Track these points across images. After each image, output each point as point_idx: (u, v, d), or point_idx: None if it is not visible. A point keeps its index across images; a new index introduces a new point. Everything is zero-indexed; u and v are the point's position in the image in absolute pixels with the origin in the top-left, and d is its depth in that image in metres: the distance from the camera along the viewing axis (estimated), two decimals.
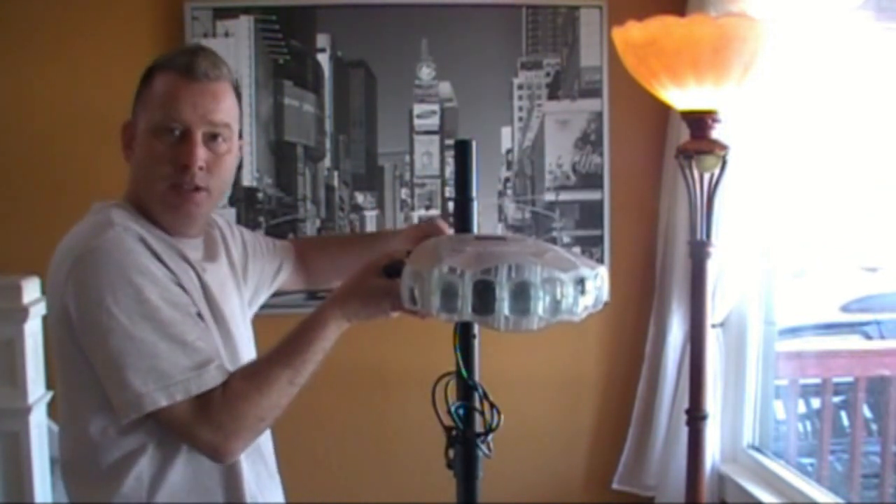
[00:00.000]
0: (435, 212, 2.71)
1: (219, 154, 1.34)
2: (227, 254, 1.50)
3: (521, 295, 1.05)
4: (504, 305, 1.05)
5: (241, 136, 1.44)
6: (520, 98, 2.70)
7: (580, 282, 1.08)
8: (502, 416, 1.16)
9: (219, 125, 1.33)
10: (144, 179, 1.33)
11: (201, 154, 1.31)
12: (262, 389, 1.22)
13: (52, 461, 2.22)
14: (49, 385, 2.21)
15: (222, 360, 1.26)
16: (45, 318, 2.20)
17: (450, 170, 2.64)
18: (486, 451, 1.17)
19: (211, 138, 1.33)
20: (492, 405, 1.17)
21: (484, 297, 1.05)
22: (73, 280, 1.22)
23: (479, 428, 1.20)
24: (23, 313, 2.09)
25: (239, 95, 1.40)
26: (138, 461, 1.25)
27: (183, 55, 1.33)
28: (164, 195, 1.31)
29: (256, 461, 1.38)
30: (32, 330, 2.14)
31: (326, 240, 1.77)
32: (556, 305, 1.07)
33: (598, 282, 1.11)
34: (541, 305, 1.06)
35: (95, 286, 1.21)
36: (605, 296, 1.14)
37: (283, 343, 1.26)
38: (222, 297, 1.39)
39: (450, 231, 1.44)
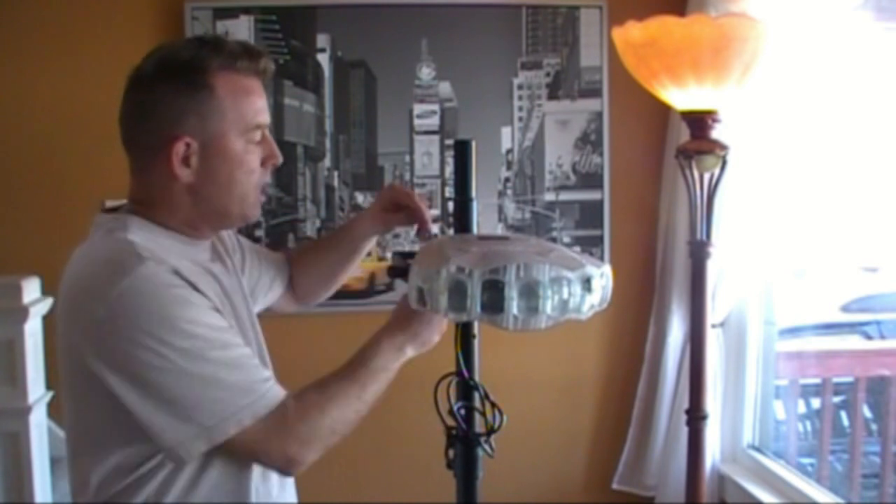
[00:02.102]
0: (435, 212, 2.71)
1: None
2: (228, 255, 1.45)
3: (530, 294, 1.05)
4: (513, 304, 1.05)
5: None
6: (520, 98, 2.70)
7: (587, 280, 1.08)
8: (505, 417, 1.15)
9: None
10: (229, 193, 1.25)
11: None
12: (334, 400, 1.22)
13: (52, 461, 2.22)
14: (49, 385, 2.20)
15: (273, 380, 1.23)
16: (45, 318, 2.19)
17: (450, 170, 2.64)
18: (489, 451, 1.17)
19: None
20: (493, 405, 1.17)
21: (493, 296, 1.05)
22: (108, 323, 1.13)
23: (479, 428, 1.20)
24: (23, 313, 2.08)
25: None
26: (145, 487, 1.21)
27: (245, 55, 1.24)
28: (254, 202, 1.28)
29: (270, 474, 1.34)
30: (32, 330, 2.14)
31: (303, 251, 1.69)
32: (563, 304, 1.07)
33: (604, 280, 1.11)
34: (549, 304, 1.06)
35: (137, 329, 1.12)
36: (610, 294, 1.14)
37: (348, 362, 1.28)
38: (237, 300, 1.35)
39: (414, 195, 1.47)
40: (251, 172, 1.26)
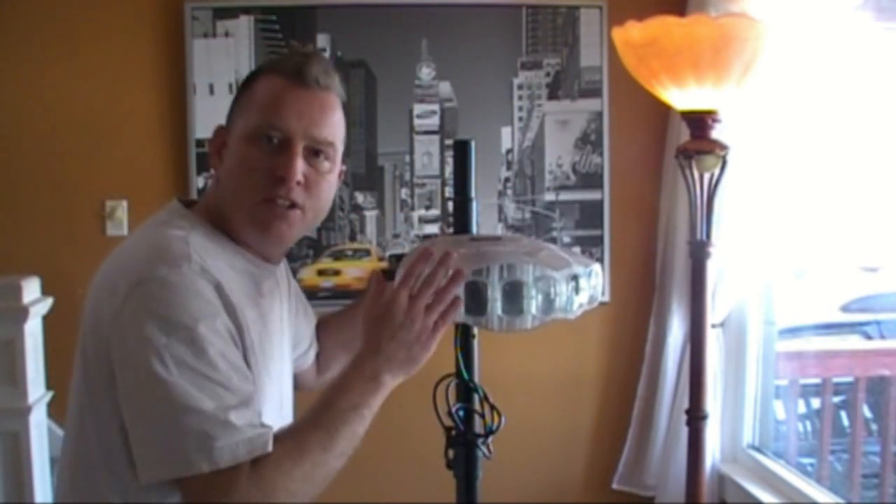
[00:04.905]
0: (435, 212, 2.71)
1: (320, 172, 1.21)
2: (287, 289, 1.39)
3: (514, 294, 1.05)
4: (497, 306, 1.05)
5: (344, 161, 1.30)
6: (520, 98, 2.70)
7: (573, 279, 1.08)
8: (504, 419, 1.15)
9: (322, 142, 1.20)
10: (233, 191, 1.20)
11: (301, 166, 1.18)
12: (305, 453, 1.12)
13: (52, 461, 2.22)
14: (49, 385, 2.21)
15: (269, 428, 1.12)
16: (45, 318, 2.19)
17: (450, 170, 2.64)
18: (487, 453, 1.17)
19: (312, 154, 1.20)
20: (492, 407, 1.17)
21: (476, 298, 1.05)
22: (129, 306, 1.08)
23: (479, 429, 1.20)
24: (23, 313, 2.08)
25: (346, 114, 1.27)
26: None
27: (293, 59, 1.21)
28: (254, 210, 1.18)
29: None
30: (32, 330, 2.14)
31: (321, 323, 1.55)
32: (549, 304, 1.07)
33: (593, 279, 1.11)
34: (534, 304, 1.06)
35: (151, 323, 1.06)
36: (600, 293, 1.14)
37: (316, 403, 1.16)
38: (279, 336, 1.30)
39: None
40: (249, 174, 1.18)
